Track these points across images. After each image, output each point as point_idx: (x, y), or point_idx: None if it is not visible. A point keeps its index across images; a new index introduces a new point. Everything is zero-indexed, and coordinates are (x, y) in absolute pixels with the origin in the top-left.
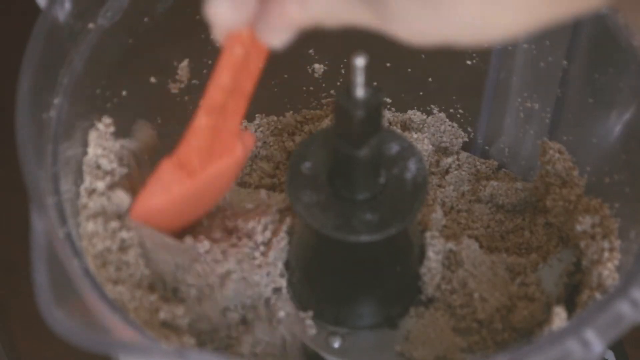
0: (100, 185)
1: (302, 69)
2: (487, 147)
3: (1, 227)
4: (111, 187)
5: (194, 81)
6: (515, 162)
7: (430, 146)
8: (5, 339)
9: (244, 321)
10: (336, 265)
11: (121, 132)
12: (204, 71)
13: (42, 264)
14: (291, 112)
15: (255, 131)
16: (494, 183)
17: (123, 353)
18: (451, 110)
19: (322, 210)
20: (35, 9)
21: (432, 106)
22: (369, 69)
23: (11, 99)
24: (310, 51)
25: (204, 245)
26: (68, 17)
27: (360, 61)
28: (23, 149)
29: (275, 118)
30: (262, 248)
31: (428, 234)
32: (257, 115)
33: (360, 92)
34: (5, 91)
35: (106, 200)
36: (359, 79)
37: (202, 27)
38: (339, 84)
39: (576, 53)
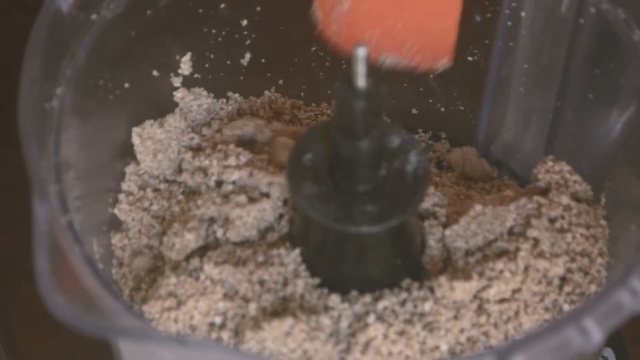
0: None
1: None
2: (488, 144)
3: (1, 227)
4: None
5: (196, 75)
6: (516, 159)
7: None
8: (6, 339)
9: None
10: (336, 256)
11: (122, 124)
12: (206, 65)
13: (43, 250)
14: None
15: None
16: None
17: (124, 339)
18: (451, 108)
19: (322, 202)
20: (37, 1)
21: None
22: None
23: (9, 96)
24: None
25: None
26: (71, 8)
27: (362, 51)
28: (25, 138)
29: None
30: None
31: (427, 223)
32: None
33: (361, 82)
34: (4, 90)
35: None
36: (361, 69)
37: (204, 21)
38: None
39: (577, 49)
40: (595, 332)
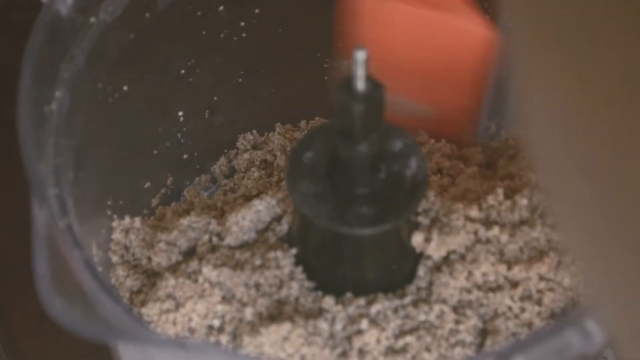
0: None
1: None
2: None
3: (1, 227)
4: None
5: (191, 78)
6: None
7: None
8: (5, 339)
9: None
10: (332, 257)
11: (121, 127)
12: (204, 66)
13: (43, 254)
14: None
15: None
16: None
17: (124, 343)
18: None
19: (318, 201)
20: (37, 3)
21: None
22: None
23: (10, 95)
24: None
25: None
26: (70, 11)
27: (361, 54)
28: (24, 142)
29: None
30: None
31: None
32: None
33: (361, 85)
34: (4, 89)
35: None
36: (360, 72)
37: (203, 24)
38: None
39: None
40: (597, 333)
